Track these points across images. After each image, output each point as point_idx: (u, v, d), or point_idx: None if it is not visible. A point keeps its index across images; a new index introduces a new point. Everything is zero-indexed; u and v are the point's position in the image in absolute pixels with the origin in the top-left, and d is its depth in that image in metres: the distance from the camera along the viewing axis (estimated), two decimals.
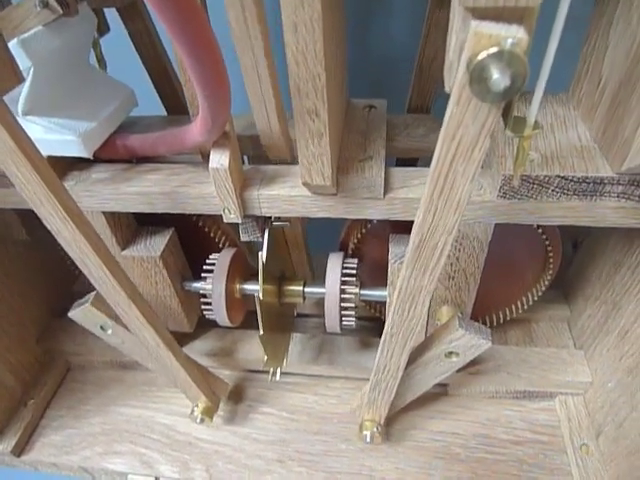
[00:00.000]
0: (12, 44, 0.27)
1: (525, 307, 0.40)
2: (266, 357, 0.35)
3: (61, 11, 0.26)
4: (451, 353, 0.32)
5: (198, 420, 0.38)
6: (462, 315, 0.36)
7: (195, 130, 0.26)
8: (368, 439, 0.36)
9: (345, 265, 0.35)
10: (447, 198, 0.19)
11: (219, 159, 0.27)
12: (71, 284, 0.50)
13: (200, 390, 0.37)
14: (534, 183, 0.26)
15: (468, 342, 0.30)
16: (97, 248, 0.26)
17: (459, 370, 0.40)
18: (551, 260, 0.35)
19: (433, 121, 0.35)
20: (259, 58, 0.24)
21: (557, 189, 0.26)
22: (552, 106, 0.32)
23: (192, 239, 0.38)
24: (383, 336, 0.28)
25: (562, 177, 0.26)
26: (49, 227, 0.25)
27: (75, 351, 0.46)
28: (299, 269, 0.42)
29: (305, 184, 0.26)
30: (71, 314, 0.33)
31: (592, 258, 0.40)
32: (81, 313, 0.33)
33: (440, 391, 0.43)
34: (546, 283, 0.37)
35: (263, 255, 0.33)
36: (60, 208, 0.24)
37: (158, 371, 0.37)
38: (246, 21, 0.22)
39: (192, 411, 0.39)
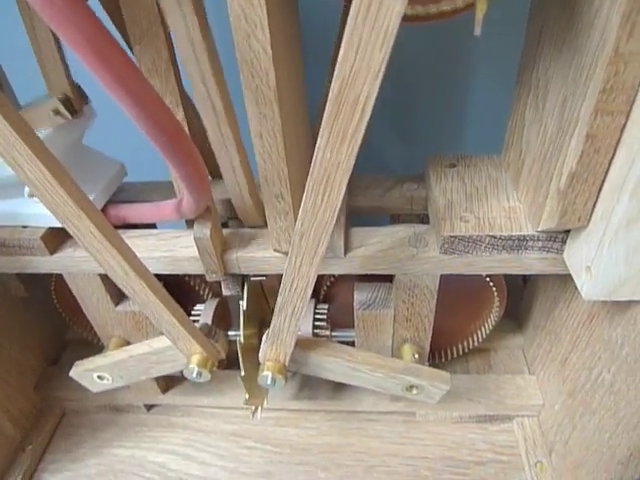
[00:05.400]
0: None
1: (481, 339, 0.44)
2: (247, 396, 0.39)
3: (70, 118, 0.30)
4: (412, 387, 0.36)
5: (194, 374, 0.34)
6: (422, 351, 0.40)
7: (181, 207, 0.30)
8: (269, 381, 0.33)
9: (316, 312, 0.39)
10: (374, 24, 0.17)
11: (202, 229, 0.31)
12: (64, 333, 0.54)
13: (190, 335, 0.33)
14: (469, 241, 0.31)
15: (438, 392, 0.34)
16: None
17: None
18: (497, 298, 0.40)
19: (390, 181, 0.40)
20: (230, 145, 0.28)
21: (489, 245, 0.31)
22: (487, 168, 0.37)
23: (179, 292, 0.42)
24: (292, 240, 0.25)
25: (492, 236, 0.31)
26: None
27: (70, 397, 0.49)
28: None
29: (276, 250, 0.31)
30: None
31: (537, 292, 0.45)
32: (75, 374, 0.37)
33: (409, 418, 0.47)
34: (496, 318, 0.42)
35: (243, 306, 0.37)
36: None
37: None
38: (218, 121, 0.27)
39: (186, 366, 0.35)
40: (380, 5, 0.16)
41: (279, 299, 0.29)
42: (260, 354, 0.33)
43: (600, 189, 0.26)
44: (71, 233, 0.26)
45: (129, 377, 0.39)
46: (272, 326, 0.31)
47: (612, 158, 0.24)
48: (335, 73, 0.19)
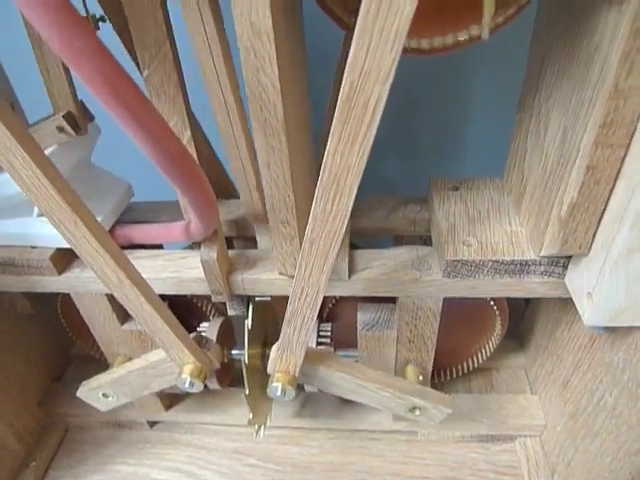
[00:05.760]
0: None
1: (483, 359, 0.45)
2: (251, 415, 0.39)
3: (75, 134, 0.31)
4: (415, 408, 0.36)
5: (187, 384, 0.34)
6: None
7: (189, 229, 0.31)
8: (279, 392, 0.32)
9: (320, 331, 0.40)
10: (384, 24, 0.17)
11: (208, 252, 0.32)
12: (69, 349, 0.54)
13: (184, 345, 0.33)
14: (472, 266, 0.32)
15: (440, 415, 0.34)
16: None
17: None
18: (499, 319, 0.40)
19: (393, 203, 0.41)
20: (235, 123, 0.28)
21: (491, 270, 0.32)
22: (489, 191, 0.38)
23: (184, 310, 0.42)
24: (302, 248, 0.24)
25: (494, 260, 0.31)
26: None
27: (73, 413, 0.49)
28: None
29: (281, 274, 0.31)
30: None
31: (538, 313, 0.46)
32: (82, 395, 0.38)
33: (411, 438, 0.47)
34: (498, 338, 0.42)
35: (248, 325, 0.37)
36: None
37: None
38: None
39: (178, 376, 0.34)
40: (390, 5, 0.16)
41: (288, 309, 0.28)
42: (269, 365, 0.33)
43: (600, 218, 0.26)
44: (65, 239, 0.25)
45: (132, 393, 0.39)
46: (282, 336, 0.30)
47: (612, 189, 0.25)
48: (344, 75, 0.18)
